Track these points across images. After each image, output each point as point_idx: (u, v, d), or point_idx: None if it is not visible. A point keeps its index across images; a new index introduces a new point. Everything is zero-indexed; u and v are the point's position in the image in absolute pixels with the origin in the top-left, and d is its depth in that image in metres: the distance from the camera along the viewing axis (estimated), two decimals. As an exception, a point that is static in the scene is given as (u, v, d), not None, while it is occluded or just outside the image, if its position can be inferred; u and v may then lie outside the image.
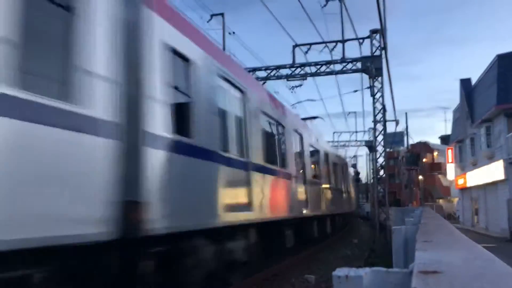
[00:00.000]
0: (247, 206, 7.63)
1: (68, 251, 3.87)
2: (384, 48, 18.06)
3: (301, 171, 12.51)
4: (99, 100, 4.21)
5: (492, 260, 1.57)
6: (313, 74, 20.55)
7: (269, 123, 10.15)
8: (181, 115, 5.67)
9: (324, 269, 11.34)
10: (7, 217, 3.25)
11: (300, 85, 22.28)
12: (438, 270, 1.28)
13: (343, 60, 19.75)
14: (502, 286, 1.18)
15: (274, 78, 20.93)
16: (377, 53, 19.33)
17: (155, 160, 4.95)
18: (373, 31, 19.41)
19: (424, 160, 50.91)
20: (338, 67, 20.01)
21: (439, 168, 54.20)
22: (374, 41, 19.47)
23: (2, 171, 3.24)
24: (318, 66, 20.29)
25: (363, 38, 19.72)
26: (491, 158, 27.01)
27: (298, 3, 13.05)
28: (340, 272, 1.48)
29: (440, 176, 54.32)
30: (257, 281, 9.33)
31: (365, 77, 20.53)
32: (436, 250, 1.92)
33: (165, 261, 5.32)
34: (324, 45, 19.73)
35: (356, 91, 26.27)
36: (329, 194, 16.78)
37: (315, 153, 15.37)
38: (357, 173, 69.55)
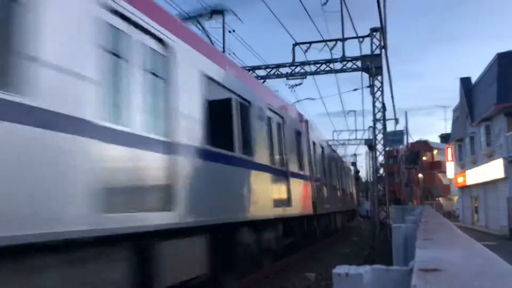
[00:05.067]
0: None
1: None
2: (384, 46, 18.05)
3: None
4: None
5: (492, 258, 1.57)
6: (313, 73, 20.52)
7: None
8: None
9: (324, 267, 11.36)
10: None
11: (300, 84, 22.27)
12: (438, 268, 1.28)
13: (343, 58, 19.72)
14: (502, 284, 1.18)
15: (274, 76, 20.91)
16: (377, 51, 19.30)
17: None
18: (373, 30, 19.38)
19: (424, 158, 50.92)
20: (338, 65, 19.97)
21: (439, 166, 54.21)
22: (374, 40, 19.44)
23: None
24: (318, 65, 20.27)
25: (363, 37, 19.69)
26: (490, 157, 27.03)
27: (298, 1, 13.02)
28: (340, 269, 1.48)
29: (440, 174, 54.34)
30: (258, 279, 9.35)
31: (365, 75, 20.51)
32: (436, 248, 1.92)
33: None
34: (324, 43, 19.70)
35: (356, 89, 26.37)
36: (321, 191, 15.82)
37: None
38: (356, 172, 69.61)
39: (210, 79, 6.78)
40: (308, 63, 20.40)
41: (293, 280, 9.77)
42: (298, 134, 12.65)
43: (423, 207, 13.68)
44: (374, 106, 19.70)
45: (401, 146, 54.62)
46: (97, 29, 4.33)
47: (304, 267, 11.57)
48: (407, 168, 48.51)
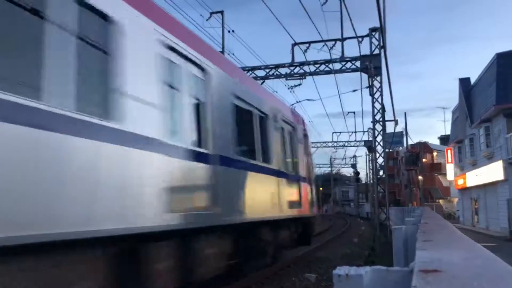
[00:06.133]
0: None
1: None
2: (384, 47, 18.05)
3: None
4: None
5: (492, 259, 1.57)
6: (312, 73, 20.55)
7: None
8: None
9: (324, 268, 11.37)
10: None
11: (299, 85, 22.30)
12: (438, 269, 1.28)
13: (342, 59, 19.75)
14: (502, 285, 1.17)
15: (273, 77, 20.94)
16: (376, 52, 19.33)
17: None
18: (373, 30, 19.42)
19: (423, 160, 50.95)
20: (337, 66, 20.01)
21: (438, 168, 54.23)
22: (373, 40, 19.48)
23: None
24: (317, 65, 20.30)
25: (363, 37, 19.73)
26: (490, 158, 27.02)
27: (297, 1, 13.02)
28: (340, 270, 1.48)
29: (440, 176, 54.36)
30: (258, 280, 9.34)
31: (364, 76, 20.55)
32: (437, 249, 1.92)
33: None
34: (323, 43, 19.73)
35: (355, 90, 26.34)
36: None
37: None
38: (356, 173, 69.81)
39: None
40: (307, 63, 20.42)
41: (293, 281, 9.76)
42: None
43: (423, 208, 13.69)
44: (373, 106, 19.71)
45: (400, 148, 54.74)
46: None
47: (304, 268, 11.56)
48: (407, 170, 48.55)
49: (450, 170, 39.73)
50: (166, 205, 5.29)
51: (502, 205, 24.81)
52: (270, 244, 9.87)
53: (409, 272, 1.45)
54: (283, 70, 20.73)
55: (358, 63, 19.63)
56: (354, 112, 48.19)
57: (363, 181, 72.21)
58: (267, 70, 20.86)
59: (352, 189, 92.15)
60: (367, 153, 47.71)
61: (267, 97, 10.18)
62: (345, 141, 45.89)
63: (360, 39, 19.64)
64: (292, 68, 20.54)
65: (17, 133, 3.46)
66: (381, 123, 20.22)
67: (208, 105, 6.85)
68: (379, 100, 19.65)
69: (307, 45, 20.33)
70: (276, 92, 26.43)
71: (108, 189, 4.48)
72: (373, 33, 19.41)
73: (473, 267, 1.40)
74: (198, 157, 6.44)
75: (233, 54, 23.57)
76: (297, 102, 36.65)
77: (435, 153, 57.24)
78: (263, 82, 21.06)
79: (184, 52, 6.21)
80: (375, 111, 19.79)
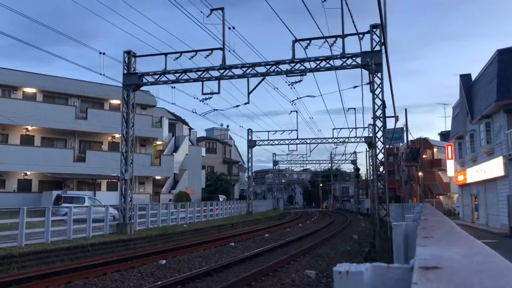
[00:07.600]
0: None
1: None
2: (384, 43, 18.00)
3: None
4: None
5: (492, 256, 1.57)
6: (312, 70, 20.49)
7: None
8: None
9: (325, 265, 11.39)
10: None
11: (300, 81, 22.23)
12: (438, 265, 1.28)
13: (343, 55, 19.70)
14: (502, 281, 1.18)
15: (273, 73, 20.90)
16: (377, 48, 19.27)
17: None
18: (373, 26, 19.34)
19: (424, 156, 50.94)
20: (338, 62, 19.95)
21: (439, 164, 54.25)
22: (374, 36, 19.40)
23: None
24: (318, 62, 20.24)
25: (363, 33, 19.64)
26: (490, 155, 27.02)
27: (298, -1, 12.98)
28: (340, 267, 1.48)
29: (440, 172, 54.37)
30: (258, 277, 9.36)
31: (365, 72, 20.47)
32: (437, 245, 1.92)
33: None
34: (324, 40, 19.65)
35: (355, 87, 26.30)
36: None
37: None
38: (357, 170, 69.88)
39: None
40: (308, 59, 20.36)
41: (293, 278, 9.78)
42: None
43: (423, 204, 13.72)
44: (374, 103, 19.67)
45: (401, 144, 54.73)
46: None
47: (305, 265, 11.59)
48: (407, 166, 48.59)
49: (450, 166, 39.72)
50: None
51: (502, 202, 24.82)
52: None
53: (410, 269, 1.45)
54: (283, 67, 20.69)
55: (359, 60, 19.58)
56: (354, 109, 48.46)
57: (363, 177, 72.36)
58: (268, 67, 20.82)
59: (352, 185, 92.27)
60: (368, 149, 47.72)
61: None
62: (346, 137, 45.83)
63: (361, 35, 19.56)
64: (292, 64, 20.50)
65: None
66: (381, 119, 20.18)
67: None
68: (380, 96, 19.60)
69: (308, 41, 20.25)
70: (277, 88, 26.35)
71: None
72: (374, 30, 19.35)
73: (473, 263, 1.41)
74: None
75: (233, 50, 23.56)
76: (297, 98, 36.67)
77: (435, 149, 57.22)
78: (264, 78, 21.03)
79: None
80: (376, 107, 19.74)
